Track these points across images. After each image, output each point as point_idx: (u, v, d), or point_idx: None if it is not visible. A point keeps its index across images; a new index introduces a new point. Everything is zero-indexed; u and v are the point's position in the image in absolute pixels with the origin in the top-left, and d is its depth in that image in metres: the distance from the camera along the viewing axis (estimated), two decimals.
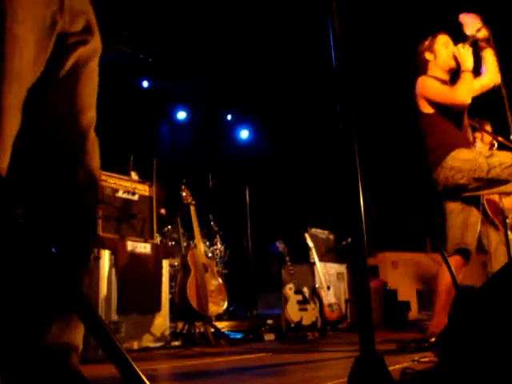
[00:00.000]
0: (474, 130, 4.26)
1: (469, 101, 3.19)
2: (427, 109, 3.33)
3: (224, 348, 4.02)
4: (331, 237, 6.70)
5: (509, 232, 3.81)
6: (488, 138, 4.36)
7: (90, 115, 1.24)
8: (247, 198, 7.15)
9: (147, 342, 3.93)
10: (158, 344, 3.99)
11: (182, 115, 7.85)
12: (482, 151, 3.27)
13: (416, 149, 3.44)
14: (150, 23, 6.22)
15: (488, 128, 4.33)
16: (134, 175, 4.51)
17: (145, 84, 7.18)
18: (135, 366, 0.81)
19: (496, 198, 4.07)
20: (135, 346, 3.81)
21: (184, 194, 4.78)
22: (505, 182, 3.05)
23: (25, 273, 1.08)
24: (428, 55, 3.41)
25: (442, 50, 3.37)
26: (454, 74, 3.38)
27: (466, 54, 3.23)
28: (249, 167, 7.56)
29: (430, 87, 3.32)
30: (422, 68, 3.43)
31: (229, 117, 8.56)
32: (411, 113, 3.41)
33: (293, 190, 7.81)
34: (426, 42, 3.44)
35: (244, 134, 8.63)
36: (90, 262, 1.27)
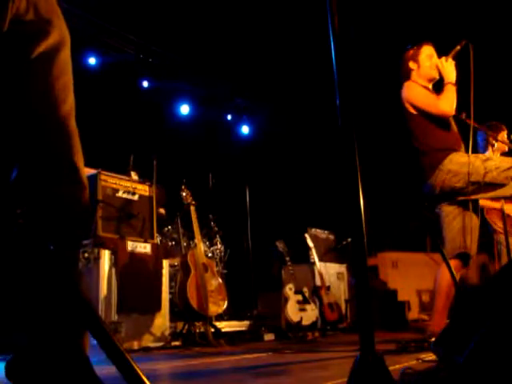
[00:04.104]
0: (489, 131, 4.24)
1: (452, 112, 3.25)
2: (414, 112, 3.37)
3: (224, 348, 4.02)
4: (331, 237, 6.69)
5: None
6: (502, 145, 4.34)
7: (65, 109, 1.24)
8: (247, 197, 7.15)
9: (147, 341, 3.93)
10: (158, 344, 3.99)
11: (181, 115, 7.86)
12: (478, 155, 3.28)
13: (413, 149, 3.42)
14: (149, 23, 6.22)
15: (504, 132, 4.35)
16: (133, 175, 4.51)
17: (145, 84, 7.19)
18: (135, 366, 0.81)
19: (498, 205, 4.07)
20: (135, 346, 3.81)
21: (184, 193, 4.78)
22: (501, 185, 3.07)
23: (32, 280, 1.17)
24: (412, 64, 3.47)
25: (426, 62, 3.44)
26: (436, 85, 3.44)
27: (449, 66, 3.31)
28: (249, 167, 7.56)
29: (416, 93, 3.36)
30: (405, 75, 3.49)
31: (229, 117, 8.57)
32: (400, 115, 3.45)
33: (293, 191, 7.81)
34: (411, 52, 3.49)
35: (245, 130, 8.65)
36: (78, 262, 1.35)
